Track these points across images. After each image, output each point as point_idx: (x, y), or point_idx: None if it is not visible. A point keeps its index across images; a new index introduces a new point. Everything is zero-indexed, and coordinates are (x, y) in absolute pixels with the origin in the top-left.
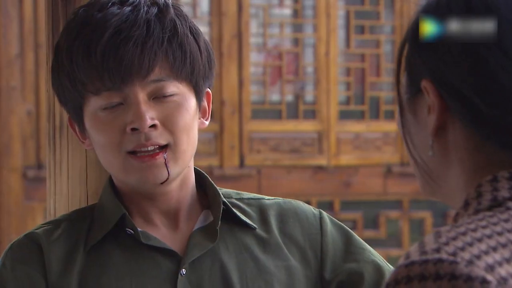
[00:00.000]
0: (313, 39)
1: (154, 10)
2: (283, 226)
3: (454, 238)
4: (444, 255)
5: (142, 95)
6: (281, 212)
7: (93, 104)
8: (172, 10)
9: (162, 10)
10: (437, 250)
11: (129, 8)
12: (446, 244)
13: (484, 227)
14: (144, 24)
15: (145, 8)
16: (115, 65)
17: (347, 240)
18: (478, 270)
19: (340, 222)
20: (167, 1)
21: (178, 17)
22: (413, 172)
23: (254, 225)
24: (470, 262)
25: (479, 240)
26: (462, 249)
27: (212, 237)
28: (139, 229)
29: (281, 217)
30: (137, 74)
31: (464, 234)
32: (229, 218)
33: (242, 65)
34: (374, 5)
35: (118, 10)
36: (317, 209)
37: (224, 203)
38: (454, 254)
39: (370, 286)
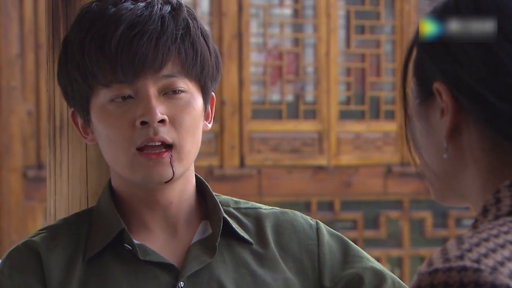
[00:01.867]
0: (313, 39)
1: (168, 8)
2: (280, 239)
3: (477, 245)
4: (468, 263)
5: (153, 90)
6: (278, 223)
7: (102, 97)
8: (185, 9)
9: (176, 9)
10: (461, 257)
11: (143, 4)
12: (469, 250)
13: (506, 232)
14: (159, 20)
15: (159, 5)
16: (129, 59)
17: (345, 249)
18: (502, 277)
19: (337, 232)
20: (180, 1)
21: (190, 17)
22: (416, 173)
23: (252, 241)
24: (494, 269)
25: (502, 246)
26: (486, 255)
27: (211, 251)
28: (137, 242)
29: (277, 228)
30: (150, 68)
31: (486, 240)
32: (227, 231)
33: (243, 65)
34: (374, 5)
35: (132, 6)
36: (314, 220)
37: (224, 218)
38: (477, 261)
39: None
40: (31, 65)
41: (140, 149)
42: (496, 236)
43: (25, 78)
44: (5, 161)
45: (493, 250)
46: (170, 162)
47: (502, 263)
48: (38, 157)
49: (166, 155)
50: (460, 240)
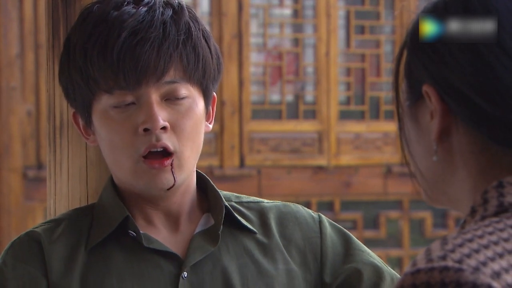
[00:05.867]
0: (313, 39)
1: (169, 11)
2: (283, 230)
3: (461, 245)
4: (450, 263)
5: (155, 96)
6: (281, 215)
7: (104, 102)
8: (186, 12)
9: (177, 12)
10: (443, 258)
11: (144, 9)
12: (452, 251)
13: (490, 233)
14: (161, 26)
15: (160, 9)
16: (131, 66)
17: (346, 243)
18: (484, 277)
19: (339, 225)
20: (181, 3)
21: (191, 19)
22: (414, 176)
23: (255, 230)
24: (476, 269)
25: (486, 246)
26: (468, 256)
27: (214, 240)
28: (141, 232)
29: (281, 220)
30: (152, 75)
31: (470, 241)
32: (230, 221)
33: (242, 65)
34: (374, 5)
35: (134, 10)
36: (316, 213)
37: (225, 207)
38: (460, 261)
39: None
40: (31, 65)
41: (144, 156)
42: (481, 237)
43: (25, 78)
44: (5, 161)
45: (476, 251)
46: (172, 170)
47: (484, 263)
48: (38, 157)
49: (168, 163)
50: (444, 241)
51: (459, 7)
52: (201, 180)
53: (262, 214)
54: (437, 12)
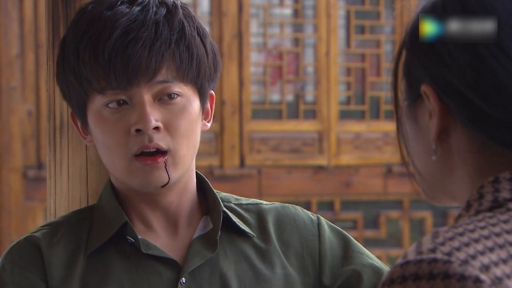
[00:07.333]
0: (313, 39)
1: (163, 11)
2: (281, 233)
3: (451, 239)
4: (439, 255)
5: (147, 96)
6: (279, 218)
7: (98, 102)
8: (180, 11)
9: (171, 11)
10: (433, 250)
11: (138, 8)
12: (442, 244)
13: (482, 227)
14: (153, 26)
15: (154, 9)
16: (122, 66)
17: (345, 245)
18: (472, 269)
19: (338, 227)
20: (176, 1)
21: (186, 18)
22: (413, 176)
23: (253, 234)
24: (464, 262)
25: (476, 240)
26: (458, 249)
27: (212, 246)
28: (139, 237)
29: (279, 223)
30: (144, 75)
31: (461, 234)
32: (229, 226)
33: (243, 65)
34: (374, 5)
35: (127, 10)
36: (315, 215)
37: (224, 212)
38: (449, 254)
39: None
40: (31, 65)
41: (136, 155)
42: (472, 231)
43: (25, 78)
44: (5, 161)
45: (466, 244)
46: (165, 167)
47: (474, 257)
48: (38, 157)
49: (161, 160)
50: (435, 234)
51: (457, 7)
52: (200, 182)
53: (260, 216)
54: (436, 12)
